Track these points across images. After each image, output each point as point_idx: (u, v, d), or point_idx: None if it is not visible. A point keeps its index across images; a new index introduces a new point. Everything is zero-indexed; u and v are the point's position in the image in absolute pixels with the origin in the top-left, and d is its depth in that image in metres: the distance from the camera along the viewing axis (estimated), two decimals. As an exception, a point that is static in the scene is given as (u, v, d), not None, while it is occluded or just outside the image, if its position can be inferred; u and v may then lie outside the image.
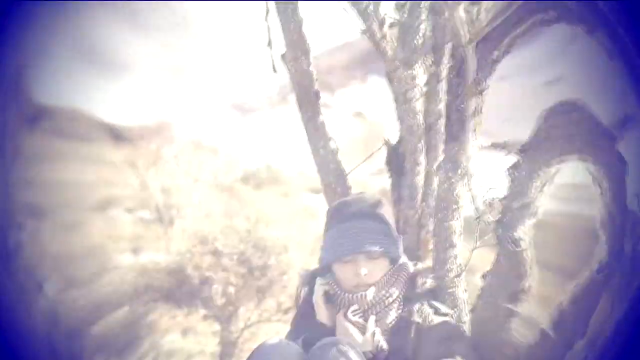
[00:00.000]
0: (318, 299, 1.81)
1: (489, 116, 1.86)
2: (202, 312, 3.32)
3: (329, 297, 1.81)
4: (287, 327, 2.90)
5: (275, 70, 2.17)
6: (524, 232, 1.72)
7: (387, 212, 1.86)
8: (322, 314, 1.79)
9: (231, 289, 3.13)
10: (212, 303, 3.16)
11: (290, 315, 3.25)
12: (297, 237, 3.69)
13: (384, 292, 1.76)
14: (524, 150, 1.72)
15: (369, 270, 1.73)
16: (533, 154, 1.70)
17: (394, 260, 1.81)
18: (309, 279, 1.88)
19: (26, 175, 2.39)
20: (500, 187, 1.80)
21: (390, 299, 1.76)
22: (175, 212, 5.90)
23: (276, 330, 3.48)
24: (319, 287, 1.82)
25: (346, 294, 1.76)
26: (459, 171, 1.88)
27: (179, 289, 3.21)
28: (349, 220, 1.78)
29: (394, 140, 2.15)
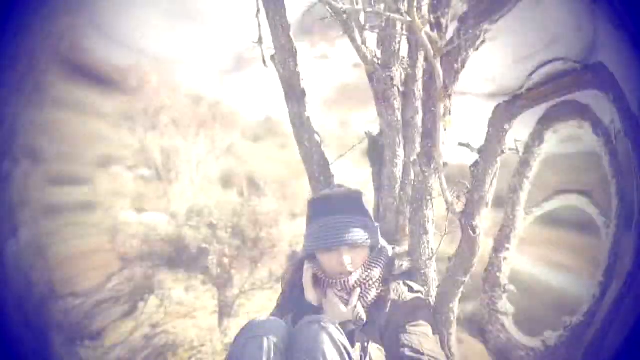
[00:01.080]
0: (307, 281, 2.01)
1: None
2: (201, 277, 3.59)
3: (316, 279, 2.01)
4: (277, 295, 3.17)
5: (266, 65, 2.34)
6: (480, 220, 1.95)
7: (366, 202, 2.07)
8: (310, 294, 2.00)
9: (226, 260, 3.38)
10: (208, 271, 3.42)
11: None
12: (288, 208, 3.96)
13: (365, 275, 1.98)
14: (480, 150, 1.93)
15: (351, 259, 1.94)
16: (486, 154, 1.93)
17: (373, 247, 2.03)
18: (297, 263, 2.11)
19: (35, 118, 2.55)
20: (465, 181, 2.02)
21: (371, 282, 1.98)
22: (174, 175, 6.08)
23: (268, 297, 3.75)
24: (307, 271, 2.02)
25: (330, 280, 1.97)
26: (432, 165, 2.08)
27: (179, 256, 3.46)
28: (331, 214, 1.97)
29: (374, 133, 2.35)
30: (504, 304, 2.12)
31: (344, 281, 1.95)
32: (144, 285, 3.53)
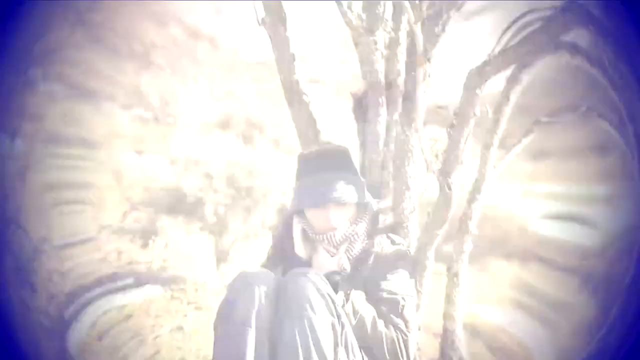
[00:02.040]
0: (296, 235, 2.16)
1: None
2: (199, 224, 3.82)
3: (305, 234, 2.16)
4: (269, 242, 3.40)
5: (259, 24, 2.44)
6: (455, 178, 2.14)
7: (353, 159, 2.21)
8: (299, 248, 2.15)
9: (221, 209, 3.59)
10: (205, 219, 3.64)
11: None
12: (282, 158, 4.16)
13: (350, 230, 2.12)
14: (456, 113, 2.10)
15: (337, 215, 2.09)
16: (461, 116, 2.09)
17: (359, 203, 2.16)
18: (287, 217, 2.25)
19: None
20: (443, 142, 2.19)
21: (356, 236, 2.13)
22: (172, 120, 6.16)
23: (261, 245, 4.00)
24: (297, 225, 2.16)
25: (317, 235, 2.12)
26: (412, 125, 2.25)
27: (178, 205, 3.67)
28: (319, 172, 2.10)
29: (359, 93, 2.50)
30: (468, 245, 2.36)
31: (331, 236, 2.09)
32: (149, 228, 3.78)
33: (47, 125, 3.43)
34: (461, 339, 2.32)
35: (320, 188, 2.09)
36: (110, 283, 3.49)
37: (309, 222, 2.14)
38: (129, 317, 3.07)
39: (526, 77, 2.35)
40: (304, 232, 2.16)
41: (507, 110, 2.32)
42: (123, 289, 3.40)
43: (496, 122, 2.32)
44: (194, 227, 3.91)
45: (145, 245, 3.79)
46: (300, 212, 2.18)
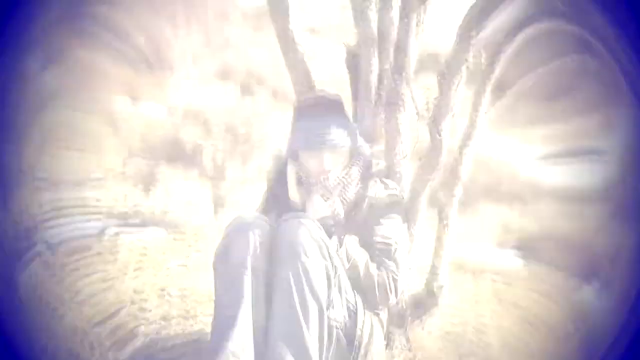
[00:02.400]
0: (290, 180, 2.23)
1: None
2: (197, 171, 3.93)
3: (299, 179, 2.23)
4: (265, 188, 3.54)
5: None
6: (445, 125, 2.21)
7: (345, 107, 2.28)
8: (293, 193, 2.23)
9: (219, 156, 3.68)
10: (204, 166, 3.74)
11: (268, 178, 3.90)
12: (279, 106, 4.27)
13: (344, 174, 2.20)
14: (447, 61, 2.15)
15: (331, 159, 2.17)
16: (453, 64, 2.15)
17: (352, 149, 2.23)
18: (281, 163, 2.32)
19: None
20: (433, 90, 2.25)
21: (350, 179, 2.21)
22: (166, 67, 6.17)
23: (257, 191, 4.11)
24: (291, 170, 2.23)
25: (311, 179, 2.19)
26: (403, 74, 2.30)
27: (177, 153, 3.77)
28: (313, 118, 2.17)
29: (352, 44, 2.54)
30: (459, 190, 2.43)
31: (324, 179, 2.16)
32: (149, 175, 3.90)
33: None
34: (446, 274, 2.44)
35: (314, 132, 2.16)
36: (125, 221, 3.68)
37: (303, 166, 2.21)
38: (144, 253, 3.22)
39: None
40: (298, 177, 2.23)
41: (504, 56, 2.32)
42: (136, 226, 3.57)
43: (490, 67, 2.33)
44: (192, 174, 4.02)
45: (146, 190, 3.92)
46: (294, 158, 2.25)
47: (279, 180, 2.30)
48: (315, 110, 2.20)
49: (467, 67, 2.18)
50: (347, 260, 2.09)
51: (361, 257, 2.13)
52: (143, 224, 3.65)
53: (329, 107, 2.22)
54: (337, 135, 2.17)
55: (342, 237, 2.12)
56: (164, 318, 2.61)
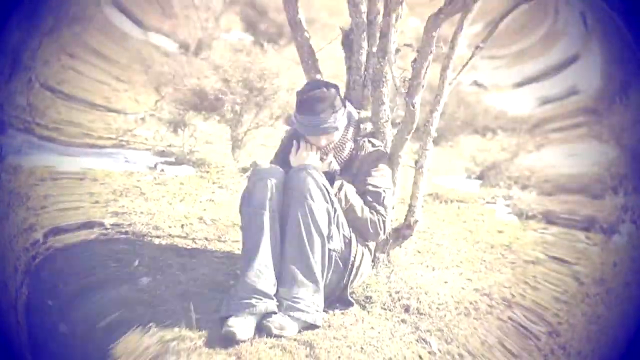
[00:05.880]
0: (293, 150, 2.79)
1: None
2: (217, 118, 4.56)
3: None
4: (276, 131, 4.28)
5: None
6: (417, 99, 2.81)
7: (339, 93, 2.79)
8: (293, 160, 2.78)
9: (237, 107, 4.31)
10: (224, 114, 4.38)
11: (279, 123, 4.59)
12: (287, 63, 4.93)
13: (340, 137, 2.78)
14: (418, 51, 2.74)
15: (327, 139, 2.74)
16: (422, 52, 2.74)
17: (347, 125, 2.80)
18: (291, 131, 2.93)
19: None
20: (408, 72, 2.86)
21: (344, 142, 2.80)
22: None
23: (270, 133, 4.84)
24: (295, 144, 2.80)
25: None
26: (386, 57, 2.90)
27: (201, 103, 4.38)
28: (311, 113, 2.67)
29: (347, 28, 3.14)
30: (430, 145, 2.99)
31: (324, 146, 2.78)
32: (177, 119, 4.57)
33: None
34: (420, 211, 3.03)
35: (312, 124, 2.71)
36: (165, 158, 4.44)
37: (306, 138, 2.80)
38: (181, 187, 3.94)
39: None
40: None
41: (460, 39, 2.86)
42: (172, 165, 4.29)
43: (451, 50, 2.86)
44: (213, 121, 4.68)
45: (175, 132, 4.59)
46: (298, 135, 2.83)
47: (288, 144, 2.88)
48: (312, 106, 2.68)
49: (432, 53, 2.74)
50: (345, 202, 2.68)
51: (357, 202, 2.70)
52: (178, 162, 4.36)
53: (324, 100, 2.68)
54: (332, 122, 2.70)
55: (342, 184, 2.70)
56: (205, 239, 3.32)
